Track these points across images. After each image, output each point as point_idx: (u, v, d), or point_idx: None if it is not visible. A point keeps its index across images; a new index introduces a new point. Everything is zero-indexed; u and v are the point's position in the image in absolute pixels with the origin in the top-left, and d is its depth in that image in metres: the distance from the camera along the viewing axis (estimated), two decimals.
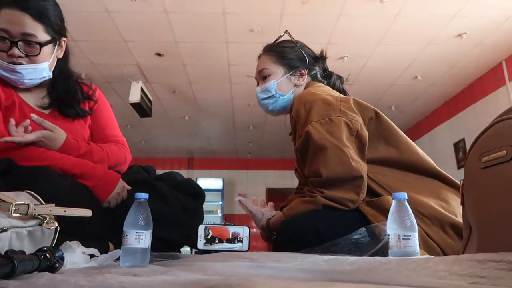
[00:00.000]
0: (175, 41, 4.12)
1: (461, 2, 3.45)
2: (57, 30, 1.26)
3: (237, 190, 8.86)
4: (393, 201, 0.96)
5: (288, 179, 8.69)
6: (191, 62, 4.59)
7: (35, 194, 0.85)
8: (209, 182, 8.64)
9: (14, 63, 1.18)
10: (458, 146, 5.37)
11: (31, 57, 1.20)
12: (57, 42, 1.28)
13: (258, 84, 1.54)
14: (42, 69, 1.24)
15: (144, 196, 0.93)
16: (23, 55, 1.19)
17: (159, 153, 8.52)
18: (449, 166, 5.31)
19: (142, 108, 4.94)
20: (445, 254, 1.10)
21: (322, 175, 1.21)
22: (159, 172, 1.46)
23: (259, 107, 1.56)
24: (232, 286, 0.44)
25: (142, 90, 4.90)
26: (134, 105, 4.83)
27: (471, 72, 4.77)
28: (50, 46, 1.24)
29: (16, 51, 1.17)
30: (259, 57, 1.56)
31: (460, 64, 4.55)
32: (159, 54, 4.40)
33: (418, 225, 1.12)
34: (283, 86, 1.48)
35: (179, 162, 9.06)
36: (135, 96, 4.80)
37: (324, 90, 1.42)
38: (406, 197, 0.95)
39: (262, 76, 1.51)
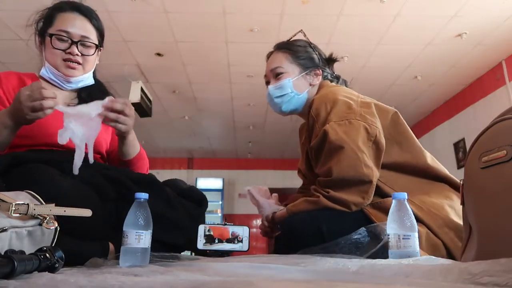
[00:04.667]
0: (175, 41, 4.11)
1: (460, 2, 3.45)
2: (102, 38, 1.43)
3: (237, 190, 8.85)
4: (393, 201, 0.96)
5: (288, 179, 8.68)
6: (191, 62, 4.59)
7: (35, 194, 0.85)
8: (209, 182, 8.64)
9: (70, 60, 1.32)
10: (458, 146, 5.36)
11: (86, 57, 1.35)
12: (99, 50, 1.42)
13: (268, 82, 1.50)
14: (88, 77, 1.39)
15: (144, 196, 0.93)
16: (80, 54, 1.33)
17: (159, 153, 8.51)
18: (449, 166, 5.27)
19: (142, 108, 4.93)
20: (452, 255, 1.10)
21: (332, 175, 1.21)
22: (159, 172, 1.47)
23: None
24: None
25: (142, 90, 4.90)
26: (134, 105, 4.80)
27: (471, 72, 4.77)
28: (96, 51, 1.39)
29: (75, 49, 1.32)
30: (269, 54, 1.54)
31: (460, 64, 4.55)
32: (159, 54, 4.40)
33: (427, 225, 1.12)
34: (299, 84, 1.46)
35: (179, 162, 9.05)
36: (135, 96, 4.80)
37: (344, 90, 1.41)
38: (406, 197, 0.95)
39: (275, 74, 1.47)
